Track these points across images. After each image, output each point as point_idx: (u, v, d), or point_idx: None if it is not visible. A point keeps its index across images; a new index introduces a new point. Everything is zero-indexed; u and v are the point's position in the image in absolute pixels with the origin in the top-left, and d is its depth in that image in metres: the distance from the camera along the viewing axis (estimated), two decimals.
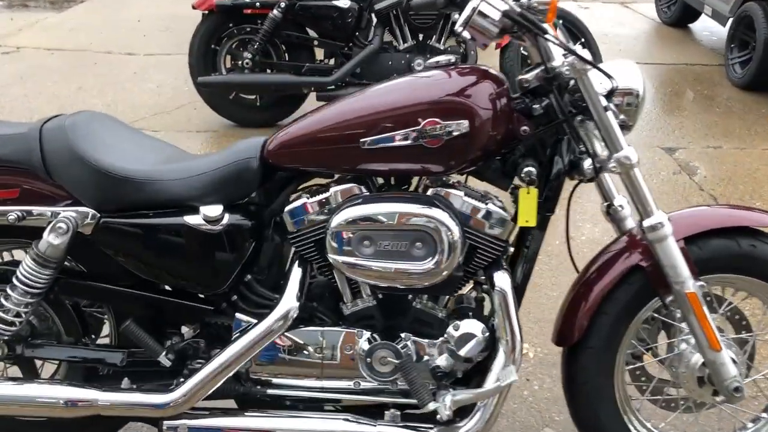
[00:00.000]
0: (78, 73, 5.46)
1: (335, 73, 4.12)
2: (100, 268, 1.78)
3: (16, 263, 1.84)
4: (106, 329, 1.91)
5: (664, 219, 1.63)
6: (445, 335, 1.67)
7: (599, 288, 1.71)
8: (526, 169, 1.62)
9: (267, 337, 1.65)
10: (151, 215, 1.68)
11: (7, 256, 1.92)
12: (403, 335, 1.69)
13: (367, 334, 1.69)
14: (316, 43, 4.27)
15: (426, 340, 1.69)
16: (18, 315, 1.73)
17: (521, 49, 4.22)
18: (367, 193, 1.67)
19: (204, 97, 4.41)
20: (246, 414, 1.74)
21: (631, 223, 1.70)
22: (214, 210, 1.65)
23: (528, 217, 1.65)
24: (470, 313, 1.72)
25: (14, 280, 1.70)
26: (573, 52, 1.56)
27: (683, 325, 1.71)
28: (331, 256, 1.63)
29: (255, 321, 1.70)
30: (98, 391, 1.70)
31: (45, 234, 1.65)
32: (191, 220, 1.66)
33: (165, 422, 1.70)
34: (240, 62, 4.22)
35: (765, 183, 3.80)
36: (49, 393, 1.70)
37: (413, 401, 1.68)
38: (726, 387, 1.68)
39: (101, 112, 1.91)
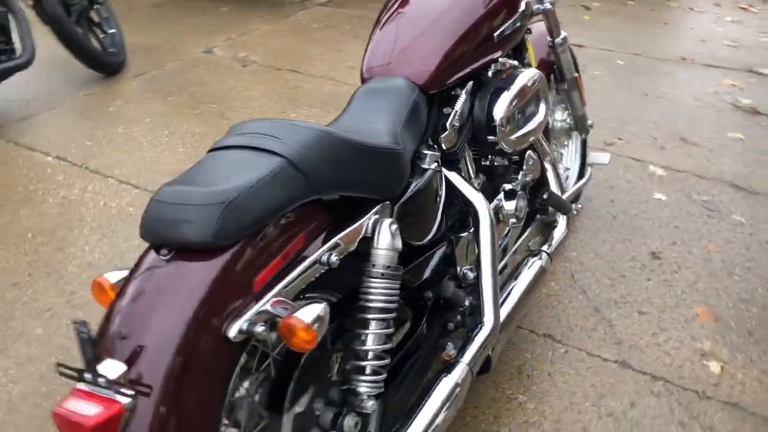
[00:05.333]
0: None
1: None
2: None
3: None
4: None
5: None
6: None
7: None
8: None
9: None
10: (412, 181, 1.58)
11: None
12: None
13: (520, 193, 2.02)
14: None
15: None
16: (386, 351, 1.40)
17: None
18: (486, 82, 1.85)
19: None
20: None
21: None
22: (432, 154, 1.65)
23: (533, 57, 2.24)
24: None
25: (369, 315, 1.37)
26: None
27: None
28: (502, 139, 1.80)
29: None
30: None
31: (380, 245, 1.37)
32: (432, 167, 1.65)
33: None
34: None
35: None
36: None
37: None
38: None
39: None
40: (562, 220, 2.23)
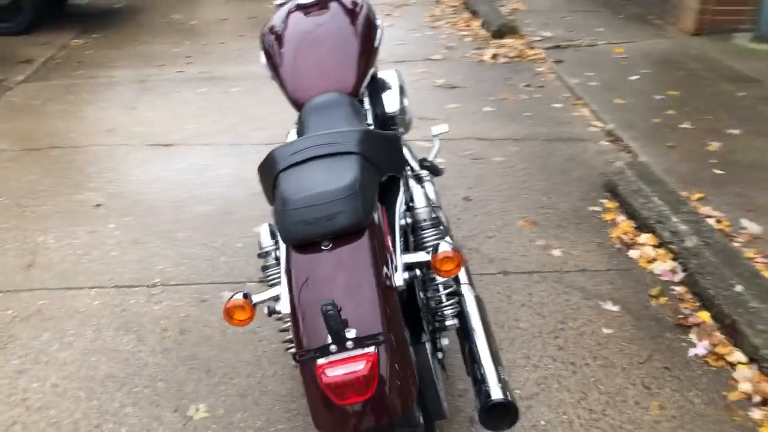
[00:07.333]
0: None
1: None
2: None
3: None
4: None
5: None
6: None
7: None
8: None
9: None
10: None
11: None
12: None
13: None
14: None
15: None
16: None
17: None
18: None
19: None
20: None
21: None
22: None
23: None
24: None
25: None
26: None
27: None
28: (401, 125, 2.32)
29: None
30: None
31: (418, 204, 1.77)
32: None
33: None
34: None
35: None
36: None
37: None
38: None
39: None
40: (428, 182, 2.81)
